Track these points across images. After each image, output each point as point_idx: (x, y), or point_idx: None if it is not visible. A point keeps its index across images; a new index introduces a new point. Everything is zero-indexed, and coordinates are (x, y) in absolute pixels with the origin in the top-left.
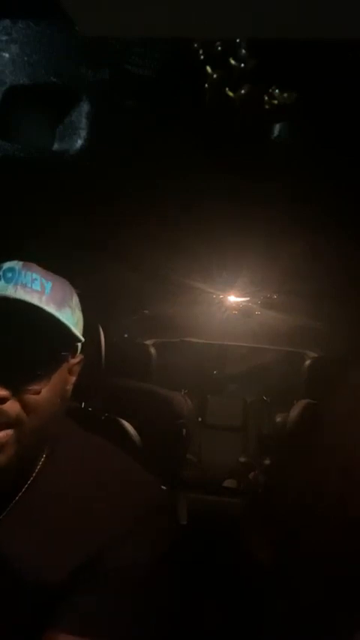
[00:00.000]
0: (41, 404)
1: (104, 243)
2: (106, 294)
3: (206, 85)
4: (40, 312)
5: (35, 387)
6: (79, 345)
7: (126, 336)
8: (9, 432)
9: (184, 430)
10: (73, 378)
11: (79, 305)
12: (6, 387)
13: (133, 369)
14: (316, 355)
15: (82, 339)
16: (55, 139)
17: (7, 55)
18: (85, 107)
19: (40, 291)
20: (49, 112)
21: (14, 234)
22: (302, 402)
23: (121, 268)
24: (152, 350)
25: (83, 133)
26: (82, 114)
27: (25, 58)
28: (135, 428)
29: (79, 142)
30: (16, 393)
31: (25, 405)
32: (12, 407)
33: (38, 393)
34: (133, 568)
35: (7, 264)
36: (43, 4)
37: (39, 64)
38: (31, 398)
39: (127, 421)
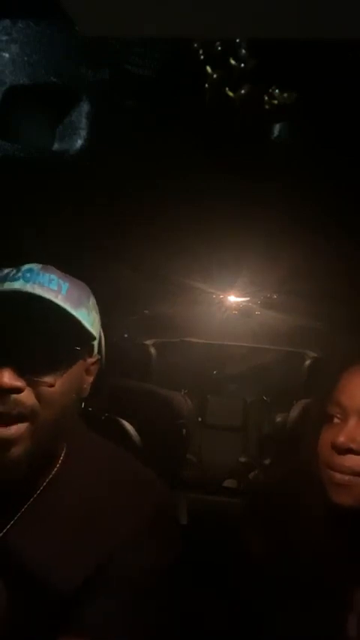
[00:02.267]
0: (55, 397)
1: (104, 243)
2: (106, 294)
3: (206, 85)
4: (55, 307)
5: (50, 380)
6: (96, 345)
7: (126, 336)
8: (23, 425)
9: (184, 430)
10: (90, 378)
11: (96, 308)
12: (22, 378)
13: (133, 369)
14: (316, 355)
15: (96, 337)
16: (55, 139)
17: (7, 55)
18: (85, 107)
19: (57, 290)
20: (49, 112)
21: (14, 234)
22: (302, 402)
23: (121, 268)
24: (152, 350)
25: (83, 133)
26: (82, 114)
27: (25, 58)
28: (135, 428)
29: (79, 142)
30: (31, 384)
31: (39, 397)
32: (27, 397)
33: (52, 385)
34: (145, 570)
35: (26, 266)
36: (43, 4)
37: (39, 64)
38: (45, 390)
39: (127, 421)
